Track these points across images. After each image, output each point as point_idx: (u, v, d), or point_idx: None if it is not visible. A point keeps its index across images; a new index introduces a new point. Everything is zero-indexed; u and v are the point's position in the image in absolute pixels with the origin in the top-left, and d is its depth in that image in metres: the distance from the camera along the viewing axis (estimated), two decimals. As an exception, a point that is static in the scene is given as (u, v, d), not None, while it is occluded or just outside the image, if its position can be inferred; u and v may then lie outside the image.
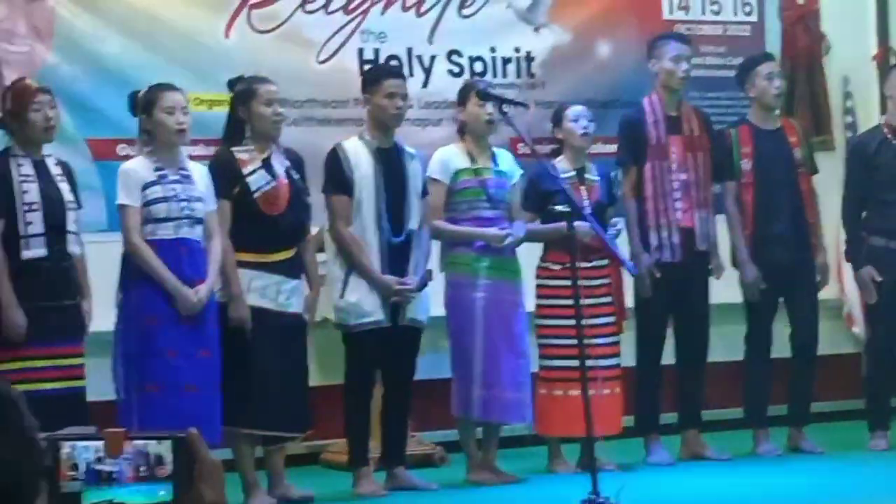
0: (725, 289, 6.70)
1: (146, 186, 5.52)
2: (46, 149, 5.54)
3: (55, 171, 5.51)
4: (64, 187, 5.50)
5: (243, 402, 5.60)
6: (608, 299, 6.35)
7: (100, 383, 5.50)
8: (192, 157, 5.83)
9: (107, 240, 5.89)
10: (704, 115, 6.80)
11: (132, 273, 5.52)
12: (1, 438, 1.30)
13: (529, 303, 6.32)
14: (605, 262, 6.31)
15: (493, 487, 6.06)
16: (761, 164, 6.64)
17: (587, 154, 6.48)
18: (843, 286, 7.59)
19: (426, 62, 7.18)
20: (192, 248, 5.56)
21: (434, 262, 6.23)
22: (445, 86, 7.07)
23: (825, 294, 6.98)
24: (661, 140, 6.56)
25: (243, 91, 5.82)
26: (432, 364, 6.38)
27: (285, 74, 6.33)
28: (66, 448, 1.48)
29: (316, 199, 6.01)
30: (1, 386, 1.35)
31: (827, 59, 7.98)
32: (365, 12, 7.07)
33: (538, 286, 6.34)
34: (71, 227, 5.46)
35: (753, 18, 7.91)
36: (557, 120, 6.44)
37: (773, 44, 7.81)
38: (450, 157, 6.19)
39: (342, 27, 7.02)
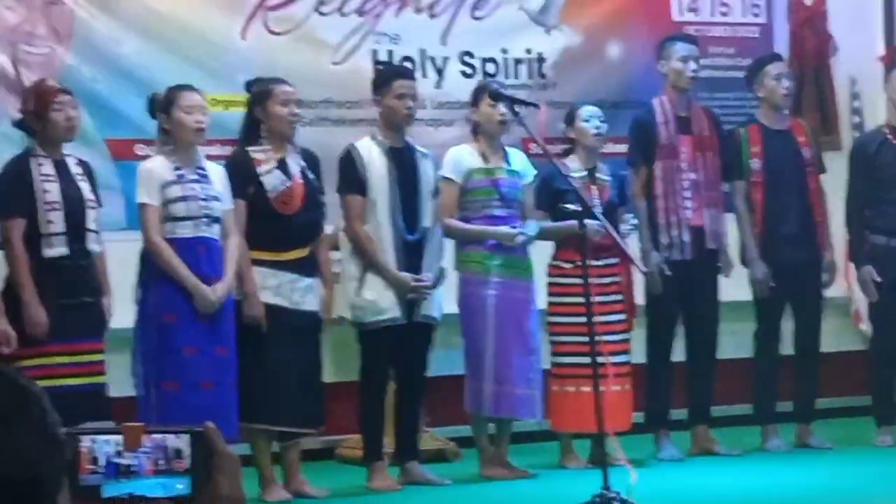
0: (734, 287, 6.69)
1: (165, 186, 5.53)
2: (66, 149, 5.55)
3: (75, 170, 5.52)
4: (84, 186, 5.51)
5: (259, 398, 5.61)
6: (618, 297, 6.35)
7: (121, 379, 5.51)
8: (208, 157, 5.83)
9: (126, 238, 5.90)
10: (714, 116, 6.80)
11: (151, 271, 5.53)
12: (24, 434, 1.30)
13: (541, 301, 6.31)
14: (616, 260, 6.30)
15: (506, 482, 6.06)
16: (770, 163, 6.63)
17: (599, 154, 6.47)
18: (850, 284, 7.56)
19: (439, 63, 7.18)
20: (210, 246, 5.58)
21: (448, 261, 6.22)
22: (458, 86, 7.07)
23: (833, 292, 6.97)
24: (671, 140, 6.56)
25: (260, 92, 5.83)
26: (445, 360, 6.38)
27: (300, 75, 6.33)
28: (86, 442, 1.48)
29: (330, 198, 6.01)
30: (24, 382, 1.34)
31: (834, 60, 7.97)
32: (379, 14, 7.08)
33: (549, 284, 6.33)
34: (91, 225, 5.47)
35: (762, 20, 7.90)
36: (570, 120, 6.43)
37: (781, 45, 7.79)
38: (462, 156, 6.19)
39: (356, 29, 7.03)
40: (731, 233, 6.70)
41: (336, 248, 6.11)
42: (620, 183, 6.49)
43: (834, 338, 7.20)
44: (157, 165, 5.61)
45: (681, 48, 6.65)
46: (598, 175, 6.40)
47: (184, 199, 5.53)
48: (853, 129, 7.91)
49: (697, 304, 6.55)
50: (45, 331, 5.28)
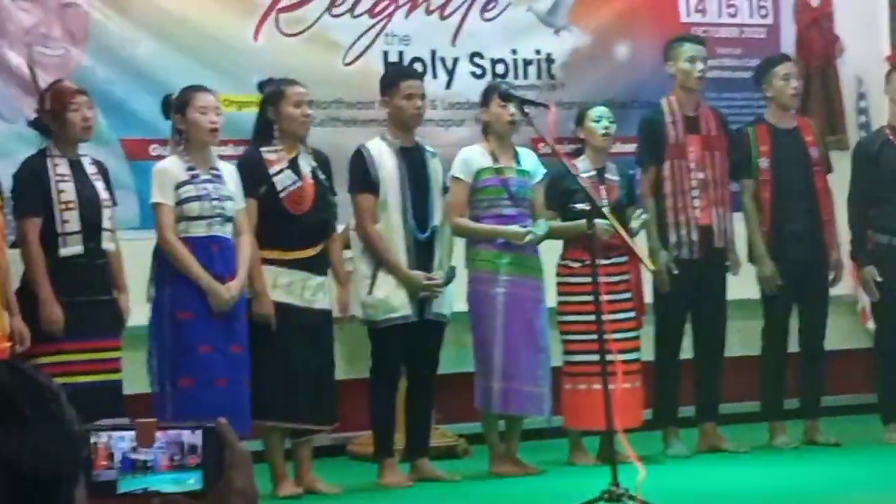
0: (742, 285, 6.69)
1: (179, 185, 5.54)
2: (82, 149, 5.56)
3: (91, 170, 5.53)
4: (99, 186, 5.52)
5: (272, 395, 5.62)
6: (627, 295, 6.35)
7: (136, 376, 5.52)
8: (221, 157, 5.84)
9: (140, 237, 5.90)
10: (721, 115, 6.80)
11: (166, 270, 5.55)
12: (43, 430, 1.30)
13: (550, 299, 6.31)
14: (624, 259, 6.30)
15: (515, 479, 6.06)
16: (779, 162, 6.63)
17: (608, 154, 6.47)
18: (857, 282, 7.54)
19: (449, 64, 7.18)
20: (223, 245, 5.59)
21: (458, 259, 6.22)
22: (468, 87, 7.07)
23: (840, 290, 6.96)
24: (679, 139, 6.56)
25: (272, 93, 5.84)
26: (456, 358, 6.38)
27: (312, 76, 6.33)
28: (102, 438, 1.48)
29: (341, 197, 6.01)
30: (43, 379, 1.34)
31: (841, 61, 7.95)
32: (390, 16, 7.08)
33: (559, 283, 6.34)
34: (106, 224, 5.48)
35: (769, 21, 7.89)
36: (580, 120, 6.43)
37: (788, 45, 7.78)
38: (472, 156, 6.20)
39: (367, 30, 7.03)
40: (739, 231, 6.70)
41: (347, 246, 6.12)
42: (629, 182, 6.49)
43: (841, 336, 7.19)
44: (171, 165, 5.62)
45: (688, 49, 6.65)
46: (606, 175, 6.40)
47: (197, 198, 5.54)
48: (860, 129, 7.90)
49: (705, 302, 6.54)
50: (62, 328, 5.30)
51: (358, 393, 6.09)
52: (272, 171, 5.75)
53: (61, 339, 5.30)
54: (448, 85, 7.16)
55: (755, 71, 6.96)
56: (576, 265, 6.23)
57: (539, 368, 6.17)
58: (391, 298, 5.90)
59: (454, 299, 6.13)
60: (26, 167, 5.46)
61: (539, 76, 7.36)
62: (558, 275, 6.34)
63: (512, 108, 6.07)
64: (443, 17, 7.20)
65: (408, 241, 5.96)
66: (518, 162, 6.24)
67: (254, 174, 5.74)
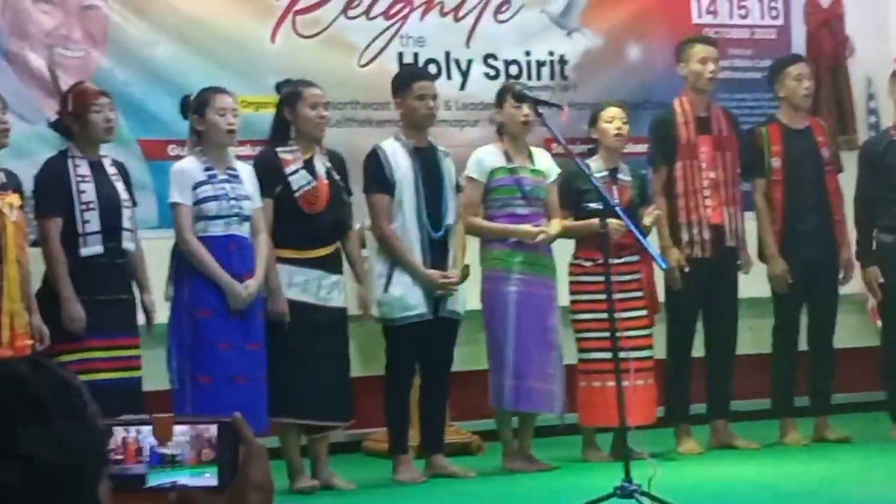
0: (753, 283, 6.68)
1: (197, 185, 5.56)
2: (102, 150, 5.57)
3: (111, 171, 5.55)
4: (119, 186, 5.53)
5: (288, 392, 5.63)
6: (639, 294, 6.34)
7: (156, 373, 5.53)
8: (239, 158, 5.85)
9: (158, 236, 5.92)
10: (732, 116, 6.79)
11: (184, 269, 5.56)
12: (67, 425, 1.31)
13: (563, 298, 6.31)
14: (636, 258, 6.30)
15: (529, 475, 6.06)
16: (790, 162, 6.63)
17: (621, 154, 6.47)
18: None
19: (463, 65, 7.18)
20: (241, 244, 5.60)
21: (472, 258, 6.23)
22: (482, 88, 7.08)
23: (850, 289, 6.94)
24: (691, 140, 6.55)
25: (289, 94, 5.85)
26: (470, 356, 6.39)
27: (328, 77, 6.34)
28: (131, 432, 1.49)
29: (357, 197, 6.02)
30: (67, 376, 1.35)
31: (851, 61, 7.93)
32: (404, 17, 7.08)
33: (571, 282, 6.34)
34: (126, 224, 5.50)
35: (779, 22, 7.88)
36: (593, 121, 6.43)
37: (799, 46, 7.77)
38: (486, 156, 6.20)
39: (383, 32, 7.03)
40: (750, 230, 6.69)
41: (362, 245, 6.13)
42: (642, 182, 6.49)
43: (850, 334, 7.17)
44: (188, 166, 5.64)
45: (700, 50, 6.65)
46: (619, 175, 6.40)
47: (215, 198, 5.56)
48: (869, 129, 7.87)
49: (717, 300, 6.54)
50: (83, 326, 5.31)
51: (373, 390, 6.10)
52: (288, 170, 5.77)
53: (82, 338, 5.32)
54: (462, 86, 7.16)
55: (768, 71, 6.95)
56: (588, 264, 6.23)
57: (551, 366, 6.17)
58: (407, 297, 5.91)
59: (468, 297, 6.13)
60: (48, 168, 5.48)
61: (552, 77, 7.36)
62: (571, 273, 6.34)
63: (526, 109, 6.07)
64: (457, 19, 7.20)
65: (422, 240, 5.96)
66: (532, 162, 6.24)
67: (269, 174, 5.75)
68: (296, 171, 5.77)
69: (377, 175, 5.98)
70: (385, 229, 5.95)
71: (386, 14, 7.05)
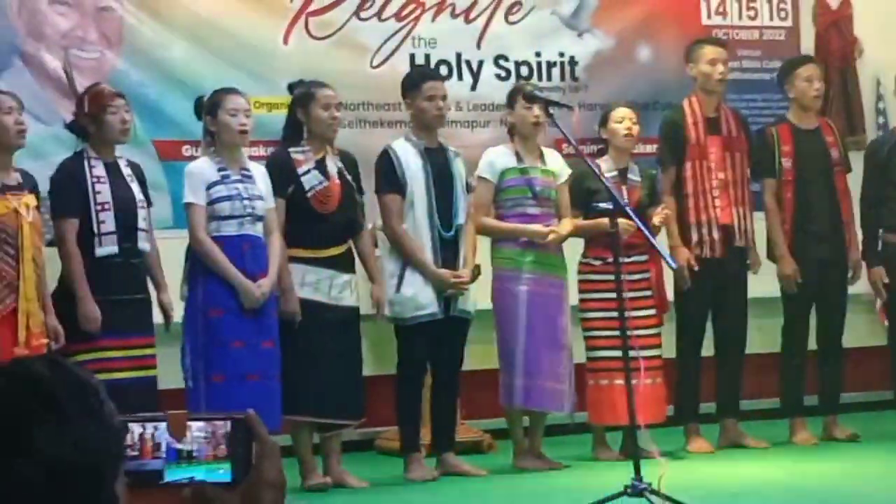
0: (762, 283, 6.67)
1: (211, 186, 5.56)
2: (117, 150, 5.58)
3: (126, 171, 5.56)
4: (134, 187, 5.54)
5: (301, 391, 5.63)
6: (648, 293, 6.34)
7: (171, 372, 5.54)
8: (252, 158, 5.86)
9: (172, 236, 5.92)
10: (741, 116, 6.78)
11: (198, 268, 5.57)
12: (84, 424, 1.31)
13: (573, 297, 6.30)
14: (645, 257, 6.29)
15: (539, 473, 6.05)
16: (800, 162, 6.61)
17: (631, 155, 6.46)
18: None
19: (474, 66, 7.18)
20: (254, 244, 5.61)
21: (482, 257, 6.22)
22: (493, 89, 7.08)
23: (859, 288, 6.92)
24: (700, 140, 6.54)
25: (302, 95, 5.85)
26: (480, 355, 6.38)
27: (340, 78, 6.34)
28: (149, 428, 1.50)
29: (369, 197, 6.02)
30: (84, 375, 1.35)
31: (860, 62, 7.91)
32: (416, 19, 7.08)
33: (580, 281, 6.33)
34: (141, 224, 5.50)
35: (788, 23, 7.86)
36: (603, 121, 6.43)
37: (807, 47, 7.75)
38: (497, 156, 6.20)
39: (394, 33, 7.03)
40: (759, 231, 6.68)
41: (375, 245, 6.12)
42: (652, 182, 6.48)
43: (859, 333, 7.16)
44: (202, 166, 5.64)
45: (709, 51, 6.64)
46: (629, 175, 6.40)
47: (228, 198, 5.56)
48: (878, 130, 7.86)
49: (726, 300, 6.53)
50: (99, 326, 5.32)
51: (385, 389, 6.10)
52: (300, 171, 5.77)
53: (97, 337, 5.32)
54: (473, 87, 7.16)
55: (778, 72, 6.94)
56: (597, 263, 6.23)
57: (561, 365, 6.16)
58: (419, 296, 5.90)
59: (479, 297, 6.13)
60: (63, 169, 5.48)
61: (562, 78, 7.35)
62: (580, 272, 6.34)
63: (536, 110, 6.07)
64: (468, 21, 7.20)
65: (433, 240, 5.96)
66: (543, 162, 6.24)
67: (282, 174, 5.75)
68: (308, 172, 5.77)
69: (389, 175, 5.98)
70: (397, 229, 5.95)
71: (398, 16, 7.05)
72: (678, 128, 6.56)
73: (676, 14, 7.55)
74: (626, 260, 6.08)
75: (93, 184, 5.40)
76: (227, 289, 5.50)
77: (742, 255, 6.58)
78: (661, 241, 6.34)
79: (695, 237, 6.49)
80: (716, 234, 6.49)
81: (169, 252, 5.69)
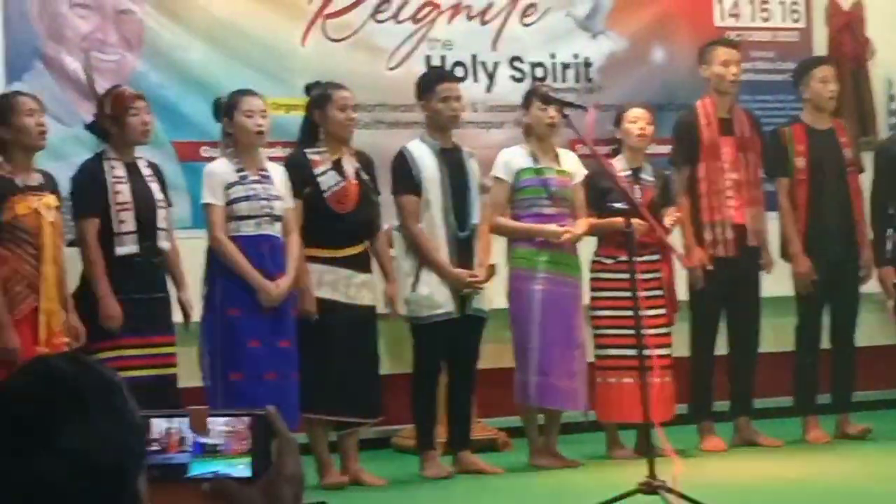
0: (776, 282, 6.64)
1: (229, 186, 5.57)
2: (137, 151, 5.59)
3: (146, 172, 5.57)
4: (154, 187, 5.55)
5: (318, 389, 5.62)
6: (659, 292, 6.32)
7: (191, 370, 5.54)
8: (270, 159, 5.85)
9: (191, 236, 5.92)
10: (754, 117, 6.76)
11: (216, 267, 5.57)
12: (108, 421, 1.30)
13: (585, 295, 6.29)
14: (657, 256, 6.28)
15: (554, 471, 6.04)
16: (814, 162, 6.60)
17: (644, 155, 6.45)
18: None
19: (490, 68, 7.17)
20: (272, 243, 5.61)
21: (499, 257, 6.22)
22: (508, 90, 7.07)
23: (871, 287, 6.89)
24: (713, 141, 6.53)
25: (319, 96, 5.85)
26: (496, 353, 6.37)
27: (357, 80, 6.34)
28: (175, 423, 1.50)
29: (386, 197, 6.01)
30: (108, 373, 1.35)
31: (872, 63, 7.88)
32: (432, 21, 7.08)
33: (592, 279, 6.32)
34: (161, 224, 5.51)
35: (801, 25, 7.83)
36: (618, 121, 6.42)
37: (820, 49, 7.72)
38: (513, 157, 6.20)
39: (411, 35, 7.03)
40: (772, 230, 6.66)
41: (390, 245, 6.12)
42: (664, 182, 6.47)
43: (871, 332, 7.13)
44: (220, 167, 5.65)
45: (722, 52, 6.62)
46: (642, 175, 6.39)
47: (246, 198, 5.57)
48: (890, 130, 7.82)
49: (740, 299, 6.51)
50: (120, 324, 5.33)
51: (401, 387, 6.09)
52: (317, 171, 5.77)
53: (119, 335, 5.33)
54: (489, 88, 7.15)
55: (793, 72, 6.92)
56: (608, 261, 6.22)
57: (575, 364, 6.15)
58: (435, 295, 5.90)
59: (494, 296, 6.12)
60: (84, 170, 5.50)
61: (577, 79, 7.34)
62: (591, 271, 6.33)
63: (552, 111, 6.06)
64: (483, 23, 7.19)
65: (449, 240, 5.96)
66: (559, 163, 6.23)
67: (299, 175, 5.76)
68: (325, 172, 5.78)
69: (404, 176, 5.97)
70: (413, 229, 5.95)
71: (414, 18, 7.05)
72: (691, 128, 6.55)
73: (690, 16, 7.53)
74: (638, 259, 6.06)
75: (113, 184, 5.41)
76: (244, 288, 5.50)
77: (755, 254, 6.56)
78: (677, 239, 6.34)
79: (708, 237, 6.47)
80: (729, 234, 6.48)
81: (188, 252, 5.70)
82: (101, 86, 6.10)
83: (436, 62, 7.03)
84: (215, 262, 5.58)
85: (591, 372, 6.29)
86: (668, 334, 6.33)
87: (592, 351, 6.31)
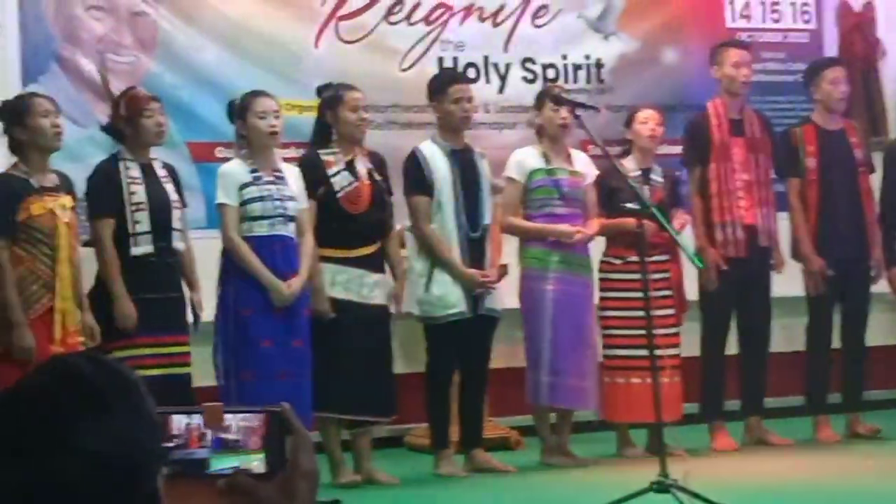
0: (786, 282, 6.63)
1: (243, 187, 5.57)
2: (152, 152, 5.59)
3: (161, 173, 5.57)
4: (169, 188, 5.55)
5: (331, 388, 5.62)
6: (668, 292, 6.31)
7: (204, 370, 5.54)
8: (284, 160, 5.85)
9: (206, 236, 5.93)
10: (765, 118, 6.75)
11: (230, 267, 5.58)
12: (126, 419, 1.30)
13: (594, 295, 6.28)
14: (666, 257, 6.27)
15: (566, 469, 6.03)
16: (825, 162, 6.58)
17: (654, 155, 6.44)
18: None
19: (502, 69, 7.17)
20: (285, 244, 5.61)
21: (511, 257, 6.22)
22: (520, 92, 7.06)
23: (881, 287, 6.87)
24: (724, 142, 6.52)
25: (331, 97, 5.85)
26: (508, 353, 6.36)
27: (370, 81, 6.34)
28: (194, 419, 1.50)
29: (398, 198, 6.01)
30: (125, 371, 1.35)
31: (882, 64, 7.86)
32: (444, 23, 7.08)
33: (601, 279, 6.32)
34: (176, 224, 5.51)
35: (812, 26, 7.81)
36: (629, 122, 6.41)
37: (831, 49, 7.71)
38: (525, 157, 6.19)
39: (423, 37, 7.02)
40: (782, 230, 6.65)
41: (402, 246, 6.12)
42: (674, 183, 6.46)
43: (882, 331, 7.11)
44: (234, 168, 5.66)
45: (734, 54, 6.61)
46: (651, 176, 6.38)
47: (260, 199, 5.57)
48: (900, 131, 7.81)
49: (751, 299, 6.50)
50: (135, 324, 5.33)
51: (415, 386, 6.09)
52: (330, 172, 5.77)
53: (133, 335, 5.34)
54: (501, 89, 7.14)
55: (804, 73, 6.90)
56: (617, 262, 6.21)
57: (587, 363, 6.14)
58: (448, 295, 5.90)
59: (506, 296, 6.12)
60: (99, 171, 5.50)
61: (588, 81, 7.33)
62: (600, 271, 6.32)
63: (564, 112, 6.05)
64: (495, 24, 7.18)
65: (461, 240, 5.96)
66: (571, 163, 6.22)
67: (312, 175, 5.76)
68: (338, 173, 5.78)
69: (416, 177, 5.97)
70: (426, 230, 5.95)
71: (426, 19, 7.04)
72: (702, 129, 6.54)
73: (701, 17, 7.52)
74: (647, 259, 6.05)
75: (128, 184, 5.42)
76: (257, 288, 5.51)
77: (766, 254, 6.54)
78: (685, 241, 6.32)
79: (719, 237, 6.46)
80: (740, 234, 6.47)
81: (202, 252, 5.70)
82: (116, 87, 6.12)
83: (448, 63, 7.03)
84: (229, 263, 5.59)
85: (599, 372, 6.28)
86: (676, 334, 6.32)
87: (601, 351, 6.30)
